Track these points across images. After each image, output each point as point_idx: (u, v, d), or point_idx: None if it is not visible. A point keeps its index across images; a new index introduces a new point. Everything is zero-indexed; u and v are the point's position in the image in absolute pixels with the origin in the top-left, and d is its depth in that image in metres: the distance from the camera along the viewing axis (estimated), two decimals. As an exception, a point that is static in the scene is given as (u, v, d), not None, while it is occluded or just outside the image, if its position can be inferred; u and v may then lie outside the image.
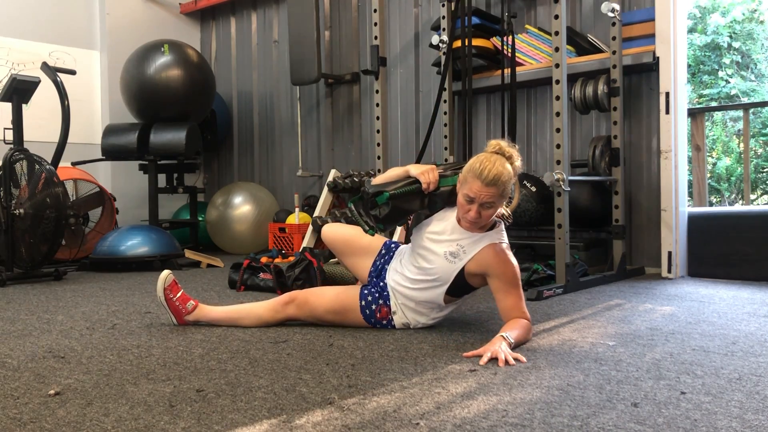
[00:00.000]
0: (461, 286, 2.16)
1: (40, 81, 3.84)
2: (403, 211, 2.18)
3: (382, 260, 2.39)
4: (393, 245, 2.44)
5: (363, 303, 2.25)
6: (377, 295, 2.26)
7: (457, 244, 2.12)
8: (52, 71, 3.91)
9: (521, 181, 3.64)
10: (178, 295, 2.32)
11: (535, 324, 2.33)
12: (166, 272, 2.31)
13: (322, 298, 2.28)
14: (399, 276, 2.24)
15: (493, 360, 1.82)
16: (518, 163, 2.10)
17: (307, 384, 1.62)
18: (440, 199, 2.19)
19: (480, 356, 1.84)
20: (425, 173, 2.16)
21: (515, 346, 1.95)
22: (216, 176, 6.10)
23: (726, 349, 1.96)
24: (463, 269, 2.11)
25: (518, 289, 2.09)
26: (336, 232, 2.53)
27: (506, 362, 1.79)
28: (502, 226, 2.19)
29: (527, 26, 3.96)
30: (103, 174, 5.31)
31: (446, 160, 4.02)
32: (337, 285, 3.03)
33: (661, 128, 3.55)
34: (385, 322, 2.25)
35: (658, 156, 3.61)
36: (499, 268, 2.07)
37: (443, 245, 2.14)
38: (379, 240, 2.46)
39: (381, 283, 2.29)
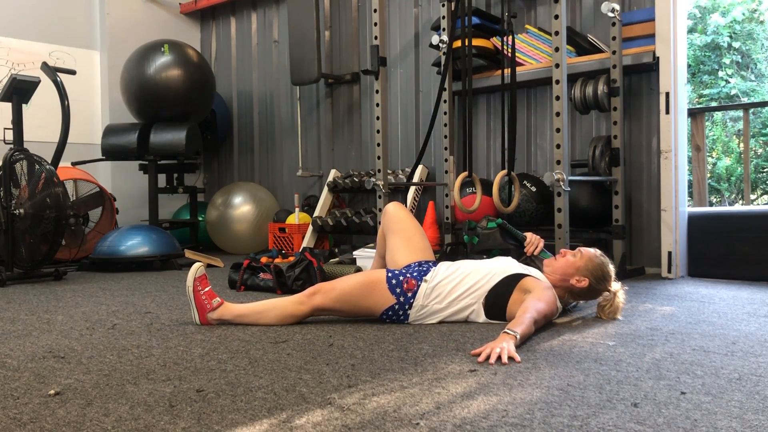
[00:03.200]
0: (499, 301, 2.27)
1: (40, 81, 3.84)
2: (497, 241, 2.53)
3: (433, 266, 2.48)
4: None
5: (390, 274, 2.31)
6: (410, 272, 2.33)
7: (534, 271, 2.38)
8: (52, 71, 3.91)
9: (521, 181, 3.64)
10: (206, 289, 2.32)
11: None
12: (198, 264, 2.32)
13: (347, 279, 2.32)
14: (454, 266, 2.37)
15: (496, 357, 1.82)
16: (619, 299, 2.38)
17: (307, 384, 1.62)
18: (531, 261, 2.52)
19: (483, 353, 1.86)
20: (534, 235, 2.56)
21: (522, 340, 1.96)
22: (216, 176, 6.10)
23: (726, 349, 1.96)
24: (523, 275, 2.27)
25: (539, 310, 2.13)
26: (407, 213, 2.66)
27: (499, 358, 1.79)
28: (557, 298, 2.33)
29: (527, 26, 3.96)
30: (103, 174, 5.31)
31: (446, 160, 4.02)
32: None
33: (661, 128, 3.55)
34: (410, 294, 2.27)
35: (658, 156, 3.61)
36: (539, 293, 2.20)
37: (523, 267, 2.37)
38: (431, 254, 2.58)
39: (425, 267, 2.37)
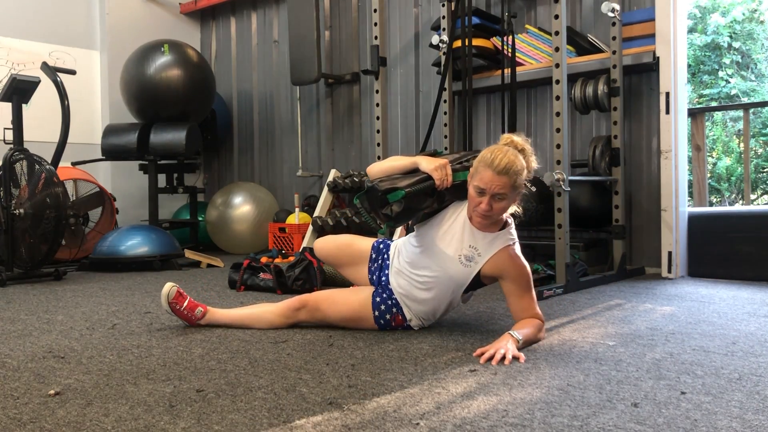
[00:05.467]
0: (474, 283, 2.15)
1: (40, 81, 3.84)
2: (413, 209, 2.10)
3: (375, 265, 2.34)
4: (382, 245, 2.38)
5: (377, 313, 2.20)
6: (390, 302, 2.22)
7: (470, 247, 2.08)
8: (52, 71, 3.91)
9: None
10: (185, 304, 2.30)
11: (535, 324, 2.33)
12: (167, 286, 2.27)
13: (334, 306, 2.22)
14: (406, 282, 2.19)
15: (500, 358, 1.83)
16: (533, 157, 2.06)
17: (307, 384, 1.62)
18: (449, 193, 2.13)
19: (486, 353, 1.86)
20: (439, 170, 2.08)
21: (524, 345, 1.95)
22: (216, 176, 6.10)
23: (726, 349, 1.96)
24: (479, 272, 2.10)
25: (531, 291, 2.10)
26: (327, 244, 2.48)
27: (503, 359, 1.80)
28: (513, 225, 2.16)
29: (527, 26, 3.96)
30: (103, 174, 5.31)
31: (442, 151, 4.01)
32: (338, 286, 3.02)
33: (661, 128, 3.55)
34: (400, 328, 2.24)
35: (658, 156, 3.61)
36: (513, 272, 2.07)
37: (456, 248, 2.10)
38: (368, 243, 2.41)
39: (388, 290, 2.24)
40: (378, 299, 2.22)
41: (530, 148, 2.07)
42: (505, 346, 1.86)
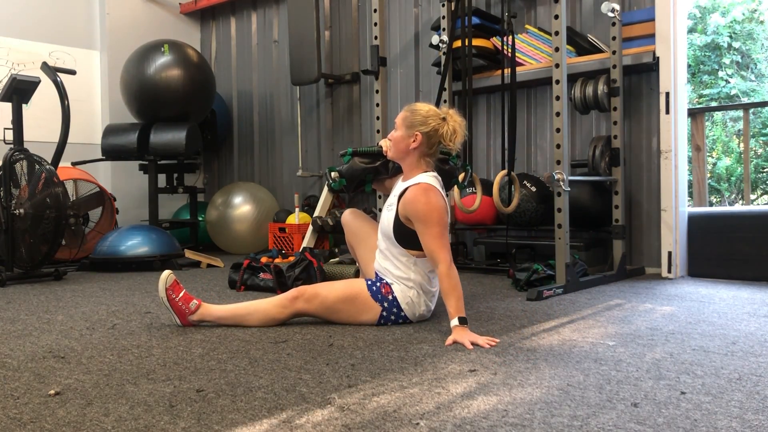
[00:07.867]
0: (407, 234, 2.24)
1: (40, 81, 3.84)
2: (362, 169, 2.51)
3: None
4: None
5: (369, 282, 2.32)
6: (377, 278, 2.38)
7: (394, 195, 2.34)
8: (52, 71, 3.91)
9: (521, 181, 3.64)
10: (181, 294, 2.32)
11: (535, 324, 2.33)
12: (167, 272, 2.31)
13: (330, 287, 2.32)
14: (377, 254, 2.42)
15: (492, 358, 1.84)
16: (451, 127, 2.23)
17: (307, 384, 1.62)
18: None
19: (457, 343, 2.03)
20: (387, 140, 2.40)
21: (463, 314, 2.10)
22: (216, 176, 6.10)
23: (726, 349, 1.96)
24: (397, 214, 2.25)
25: (432, 227, 2.16)
26: (362, 218, 2.64)
27: (476, 343, 1.98)
28: (434, 176, 2.30)
29: (527, 26, 3.96)
30: (103, 174, 5.31)
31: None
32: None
33: (661, 128, 3.55)
34: (390, 297, 2.28)
35: (658, 156, 3.61)
36: (412, 206, 2.20)
37: (388, 202, 2.39)
38: None
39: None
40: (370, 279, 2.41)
41: (458, 119, 2.26)
42: (466, 340, 2.00)
